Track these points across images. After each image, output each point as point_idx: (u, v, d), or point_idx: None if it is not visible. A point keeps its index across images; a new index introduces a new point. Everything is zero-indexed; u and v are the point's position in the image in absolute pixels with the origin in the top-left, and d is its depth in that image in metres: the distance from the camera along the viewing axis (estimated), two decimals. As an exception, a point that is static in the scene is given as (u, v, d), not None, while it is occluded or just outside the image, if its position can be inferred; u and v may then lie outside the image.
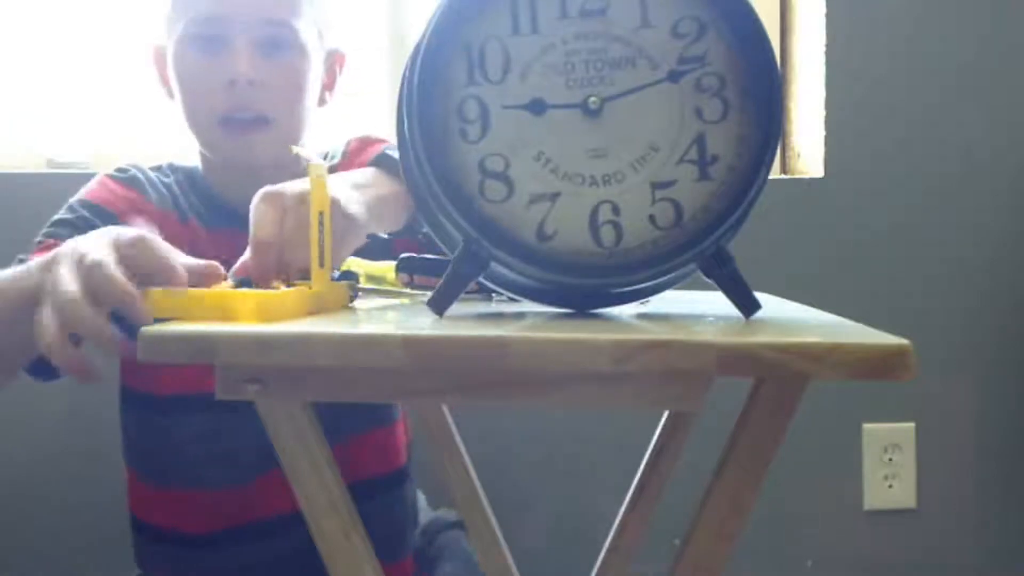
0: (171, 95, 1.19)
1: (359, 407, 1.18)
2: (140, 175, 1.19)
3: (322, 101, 1.21)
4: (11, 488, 1.51)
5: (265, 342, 0.66)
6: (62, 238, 1.01)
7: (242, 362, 0.67)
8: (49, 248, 1.03)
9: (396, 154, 0.97)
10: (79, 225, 1.09)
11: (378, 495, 1.21)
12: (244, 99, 1.12)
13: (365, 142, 1.24)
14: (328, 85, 1.22)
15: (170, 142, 1.63)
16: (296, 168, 1.12)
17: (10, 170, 1.53)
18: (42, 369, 0.99)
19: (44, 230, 1.11)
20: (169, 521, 1.19)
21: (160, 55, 1.19)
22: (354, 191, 0.94)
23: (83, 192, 1.16)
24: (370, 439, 1.22)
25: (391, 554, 1.21)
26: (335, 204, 0.89)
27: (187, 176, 1.22)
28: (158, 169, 1.23)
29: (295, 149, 0.98)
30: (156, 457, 1.19)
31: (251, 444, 1.03)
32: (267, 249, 0.84)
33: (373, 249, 0.98)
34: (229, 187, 1.18)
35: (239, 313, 0.71)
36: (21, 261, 1.01)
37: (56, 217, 1.13)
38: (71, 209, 1.13)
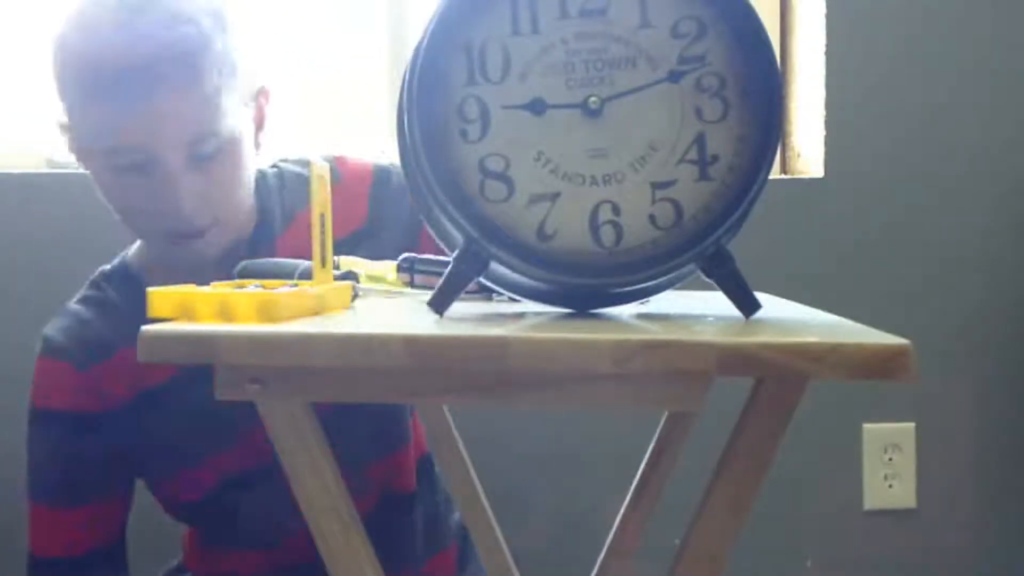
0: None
1: (373, 436, 1.19)
2: (62, 338, 1.16)
3: (257, 146, 1.16)
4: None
5: (265, 342, 0.66)
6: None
7: (242, 362, 0.67)
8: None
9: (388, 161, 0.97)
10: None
11: (391, 515, 1.22)
12: (191, 221, 1.07)
13: (346, 161, 1.22)
14: (259, 126, 1.16)
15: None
16: (238, 254, 1.11)
17: (10, 170, 1.53)
18: None
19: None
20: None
21: (67, 136, 1.12)
22: None
23: (33, 394, 1.16)
24: (382, 465, 1.22)
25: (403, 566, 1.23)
26: None
27: (120, 280, 1.18)
28: (92, 286, 1.19)
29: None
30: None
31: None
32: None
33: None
34: (166, 265, 1.14)
35: (240, 313, 0.71)
36: None
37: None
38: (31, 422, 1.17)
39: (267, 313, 0.71)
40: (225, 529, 1.21)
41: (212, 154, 1.06)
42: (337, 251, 1.00)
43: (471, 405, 1.28)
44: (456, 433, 1.25)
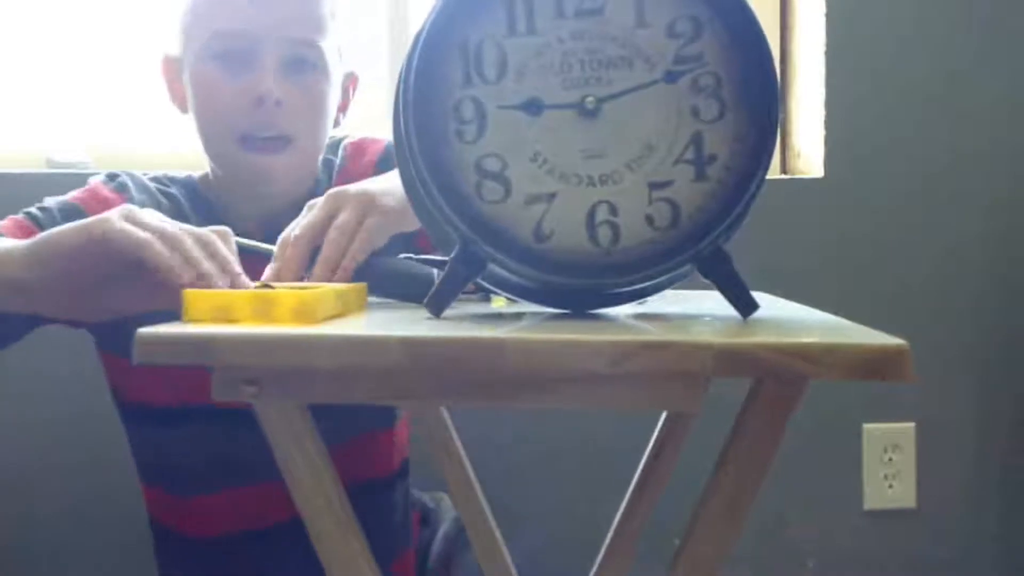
0: (183, 108, 1.18)
1: (361, 409, 1.18)
2: (130, 182, 1.17)
3: (336, 123, 1.20)
4: (27, 493, 1.51)
5: (263, 343, 0.66)
6: (28, 220, 1.07)
7: (239, 363, 0.67)
8: (13, 227, 1.05)
9: None
10: (40, 221, 1.08)
11: (369, 497, 1.21)
12: (269, 118, 1.10)
13: (362, 143, 1.24)
14: (342, 107, 1.21)
15: (169, 142, 1.63)
16: (305, 191, 1.13)
17: (10, 170, 1.53)
18: None
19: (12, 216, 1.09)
20: (178, 523, 1.19)
21: (171, 66, 1.17)
22: (385, 187, 0.96)
23: (70, 194, 1.15)
24: (370, 440, 1.22)
25: (384, 555, 1.22)
26: (370, 200, 0.91)
27: (188, 189, 1.20)
28: (157, 180, 1.21)
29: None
30: (158, 464, 1.19)
31: (248, 453, 1.03)
32: (298, 242, 0.91)
33: (398, 244, 0.99)
34: (232, 205, 1.17)
35: (278, 314, 0.71)
36: None
37: (25, 209, 1.10)
38: (46, 203, 1.12)
39: (305, 314, 0.71)
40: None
41: (306, 69, 1.11)
42: None
43: (469, 406, 1.28)
44: (455, 433, 1.25)
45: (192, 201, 1.18)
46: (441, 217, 0.74)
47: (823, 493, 1.67)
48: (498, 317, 0.78)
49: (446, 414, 1.25)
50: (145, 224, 0.81)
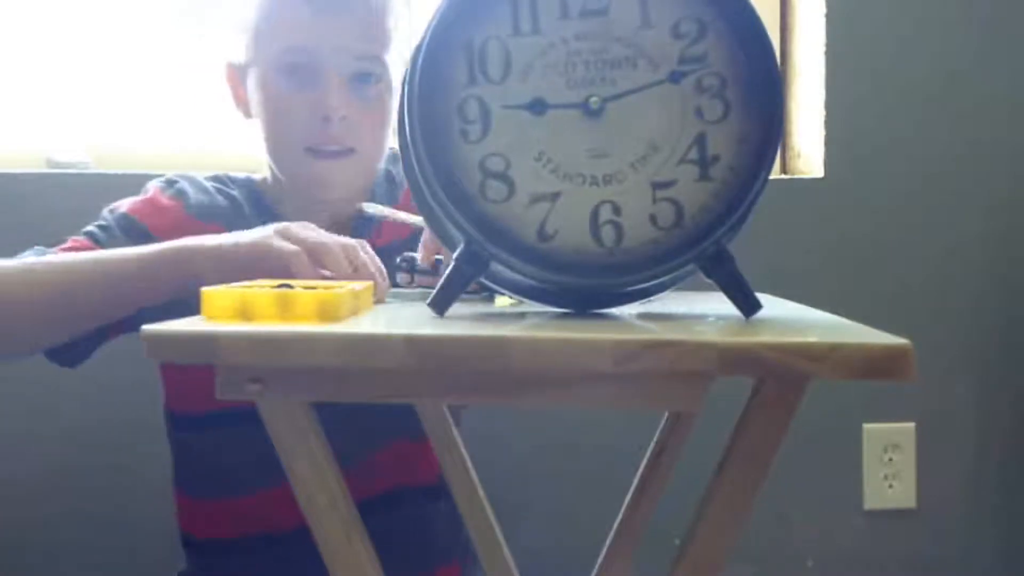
0: (247, 114, 1.20)
1: (397, 416, 1.18)
2: (189, 187, 1.19)
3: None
4: (47, 499, 1.51)
5: (266, 342, 0.66)
6: (89, 240, 1.10)
7: (243, 362, 0.67)
8: (76, 247, 1.08)
9: None
10: (101, 240, 1.11)
11: (411, 505, 1.22)
12: (335, 135, 1.13)
13: None
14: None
15: (171, 142, 1.63)
16: (365, 199, 1.17)
17: (10, 170, 1.53)
18: (63, 354, 1.05)
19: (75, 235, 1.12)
20: (207, 527, 1.22)
21: (235, 74, 1.20)
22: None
23: (126, 204, 1.17)
24: (410, 448, 1.22)
25: (423, 564, 1.23)
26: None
27: (247, 190, 1.22)
28: (217, 179, 1.23)
29: (366, 207, 1.07)
30: (204, 468, 1.21)
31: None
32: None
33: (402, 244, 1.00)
34: (290, 209, 1.18)
35: (301, 313, 0.71)
36: (42, 252, 1.05)
37: (88, 227, 1.13)
38: (104, 219, 1.15)
39: (327, 313, 0.71)
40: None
41: (370, 83, 1.14)
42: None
43: (472, 405, 1.28)
44: (456, 433, 1.25)
45: (252, 203, 1.21)
46: (445, 216, 0.74)
47: (823, 493, 1.67)
48: (502, 316, 0.78)
49: (448, 413, 1.25)
50: (296, 238, 0.92)
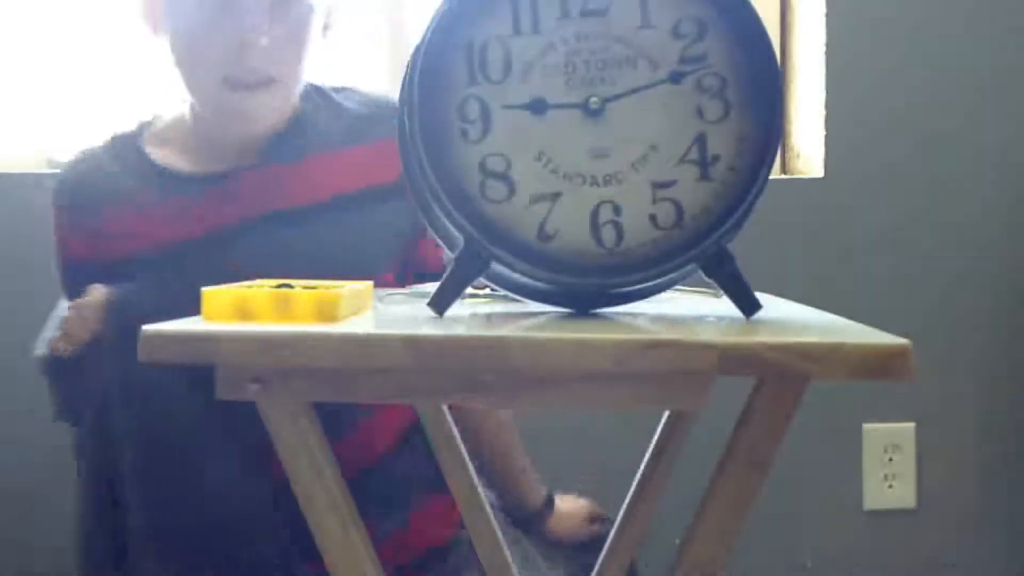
0: (155, 29, 1.14)
1: (424, 476, 1.18)
2: (65, 186, 1.19)
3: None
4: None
5: (266, 342, 0.66)
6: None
7: (243, 362, 0.67)
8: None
9: None
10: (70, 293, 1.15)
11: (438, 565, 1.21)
12: (254, 61, 1.07)
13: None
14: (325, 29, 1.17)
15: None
16: (287, 121, 1.13)
17: (10, 170, 1.53)
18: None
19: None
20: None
21: None
22: None
23: (53, 255, 1.19)
24: (434, 507, 1.22)
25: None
26: None
27: (127, 149, 1.19)
28: (106, 146, 1.21)
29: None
30: None
31: None
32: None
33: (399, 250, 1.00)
34: (213, 137, 1.15)
35: (299, 313, 0.71)
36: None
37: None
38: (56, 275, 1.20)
39: (325, 313, 0.71)
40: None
41: (292, 4, 1.08)
42: (371, 198, 1.06)
43: (472, 405, 1.28)
44: (456, 433, 1.25)
45: (135, 163, 1.17)
46: (445, 216, 0.74)
47: (823, 493, 1.68)
48: (502, 316, 0.78)
49: (448, 413, 1.25)
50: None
